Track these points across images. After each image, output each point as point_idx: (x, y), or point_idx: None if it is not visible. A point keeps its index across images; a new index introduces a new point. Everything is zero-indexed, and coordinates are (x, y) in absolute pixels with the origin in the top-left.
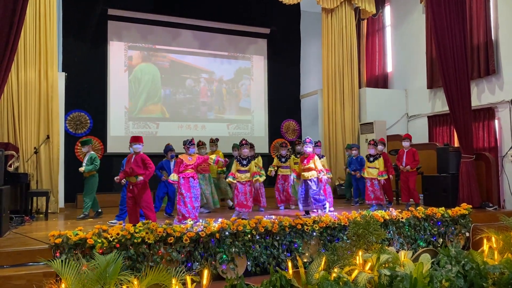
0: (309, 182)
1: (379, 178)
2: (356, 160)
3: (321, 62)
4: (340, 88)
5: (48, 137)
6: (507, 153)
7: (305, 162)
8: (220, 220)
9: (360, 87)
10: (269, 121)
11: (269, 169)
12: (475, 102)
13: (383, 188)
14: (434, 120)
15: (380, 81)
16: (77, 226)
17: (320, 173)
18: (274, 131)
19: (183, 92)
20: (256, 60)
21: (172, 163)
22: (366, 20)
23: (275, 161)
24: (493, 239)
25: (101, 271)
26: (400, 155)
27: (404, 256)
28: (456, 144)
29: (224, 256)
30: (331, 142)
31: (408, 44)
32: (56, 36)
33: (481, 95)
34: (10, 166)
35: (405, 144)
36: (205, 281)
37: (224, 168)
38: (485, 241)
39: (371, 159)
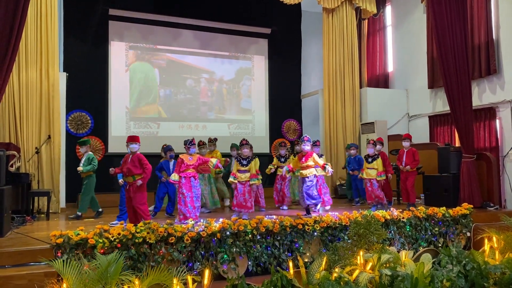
0: (306, 179)
1: (378, 179)
2: (354, 160)
3: (322, 62)
4: (341, 88)
5: (49, 137)
6: (508, 152)
7: (303, 160)
8: (221, 220)
9: (361, 87)
10: (270, 121)
11: (269, 166)
12: (476, 102)
13: (382, 188)
14: (435, 120)
15: (381, 81)
16: (78, 226)
17: (325, 166)
18: (275, 131)
19: (183, 92)
20: (257, 60)
21: (171, 163)
22: (367, 20)
23: (275, 161)
24: (494, 239)
25: (102, 271)
26: (400, 155)
27: (405, 256)
28: (457, 144)
29: (225, 256)
30: (332, 142)
31: (409, 43)
32: (57, 36)
33: (482, 94)
34: (12, 166)
35: (405, 144)
36: (206, 281)
37: (222, 168)
38: (486, 241)
39: (370, 160)
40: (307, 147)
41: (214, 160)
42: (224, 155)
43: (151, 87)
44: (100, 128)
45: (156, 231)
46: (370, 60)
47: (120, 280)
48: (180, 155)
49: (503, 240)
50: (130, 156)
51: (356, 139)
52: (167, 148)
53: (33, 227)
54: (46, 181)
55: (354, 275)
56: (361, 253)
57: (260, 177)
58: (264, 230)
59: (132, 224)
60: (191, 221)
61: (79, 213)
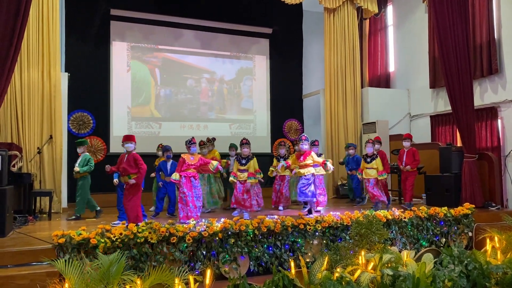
0: (303, 177)
1: (379, 178)
2: (352, 160)
3: (323, 61)
4: (343, 87)
5: (51, 137)
6: (510, 152)
7: (301, 159)
8: (222, 220)
9: (362, 86)
10: (271, 120)
11: (270, 169)
12: (477, 102)
13: (384, 187)
14: (437, 120)
15: (383, 80)
16: (80, 226)
17: (325, 163)
18: (276, 131)
19: (185, 92)
20: (258, 60)
21: (169, 164)
22: (368, 20)
23: (275, 162)
24: (496, 238)
25: (104, 270)
26: (400, 155)
27: (407, 255)
28: (459, 143)
29: (227, 255)
30: (334, 141)
31: (411, 43)
32: (59, 36)
33: (484, 94)
34: (14, 166)
35: (406, 144)
36: (207, 280)
37: (222, 170)
38: (488, 240)
39: (368, 159)
40: (305, 146)
41: (215, 163)
42: (224, 154)
43: (152, 87)
44: (102, 128)
45: (157, 231)
46: (371, 60)
47: (122, 280)
48: (182, 155)
49: (505, 240)
50: (126, 155)
51: (357, 139)
52: (164, 148)
53: (35, 227)
54: (48, 181)
55: (356, 275)
56: (362, 253)
57: (260, 175)
58: (265, 230)
59: (134, 224)
60: (192, 220)
61: (78, 214)
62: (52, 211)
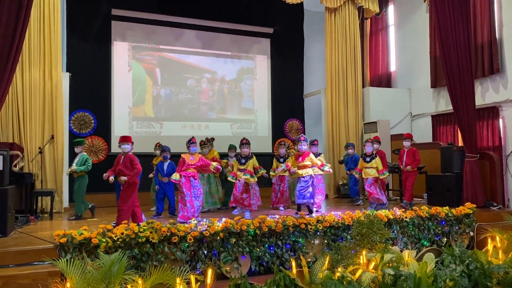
0: (301, 179)
1: (381, 177)
2: (351, 159)
3: (324, 61)
4: (344, 87)
5: (52, 137)
6: (511, 152)
7: (299, 160)
8: (224, 219)
9: (363, 86)
10: (273, 120)
11: (271, 173)
12: (479, 101)
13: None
14: (438, 119)
15: (384, 80)
16: (81, 226)
17: (323, 167)
18: (278, 131)
19: (186, 92)
20: (259, 60)
21: (165, 164)
22: (369, 19)
23: (274, 163)
24: (498, 238)
25: (105, 270)
26: (400, 155)
27: (408, 255)
28: (460, 143)
29: (228, 255)
30: (335, 141)
31: (412, 43)
32: (60, 36)
33: (485, 94)
34: (15, 166)
35: (406, 143)
36: (209, 280)
37: (221, 169)
38: (489, 240)
39: (368, 159)
40: (304, 146)
41: (214, 164)
42: (225, 155)
43: (153, 87)
44: (103, 128)
45: (159, 230)
46: (372, 59)
47: (124, 280)
48: (182, 155)
49: (507, 240)
50: (123, 156)
51: (358, 139)
52: (162, 149)
53: (36, 227)
54: (49, 181)
55: (357, 274)
56: (364, 252)
57: (263, 171)
58: (266, 230)
59: (136, 224)
60: (194, 220)
61: (79, 214)
62: (54, 210)
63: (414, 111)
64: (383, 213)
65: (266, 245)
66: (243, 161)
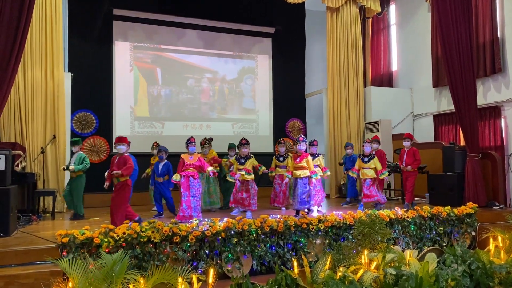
0: (299, 180)
1: (381, 177)
2: (349, 159)
3: (326, 61)
4: (345, 87)
5: (54, 137)
6: None
7: (297, 160)
8: (225, 219)
9: (365, 86)
10: (274, 120)
11: (269, 174)
12: (481, 101)
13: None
14: (440, 119)
15: (385, 80)
16: (83, 226)
17: (313, 175)
18: (279, 131)
19: (187, 92)
20: (261, 60)
21: (161, 164)
22: (371, 19)
23: (273, 161)
24: (499, 238)
25: (107, 270)
26: (401, 155)
27: (410, 255)
28: (462, 143)
29: (230, 255)
30: (336, 141)
31: (414, 42)
32: (62, 36)
33: (487, 93)
34: (17, 165)
35: (406, 143)
36: (210, 280)
37: (218, 168)
38: (491, 240)
39: (366, 159)
40: (302, 147)
41: (210, 169)
42: (226, 154)
43: (155, 87)
44: (105, 128)
45: (161, 230)
46: (374, 59)
47: (125, 279)
48: (181, 155)
49: (508, 239)
50: (117, 157)
51: (360, 139)
52: (159, 149)
53: (38, 227)
54: (51, 181)
55: (359, 274)
56: (365, 252)
57: (263, 168)
58: (268, 230)
59: (137, 224)
60: (195, 220)
61: (81, 214)
62: (56, 210)
63: (415, 110)
64: (384, 212)
65: (268, 245)
66: (242, 161)
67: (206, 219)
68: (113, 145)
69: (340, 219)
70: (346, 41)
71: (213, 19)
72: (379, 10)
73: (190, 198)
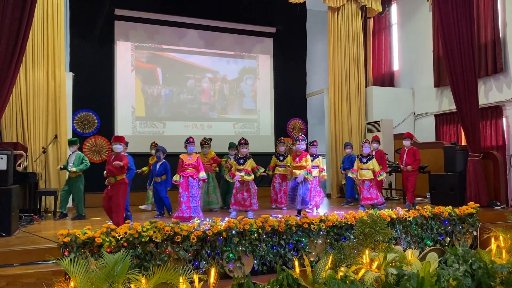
0: (304, 185)
1: (378, 179)
2: (347, 159)
3: (327, 60)
4: (347, 86)
5: (56, 136)
6: None
7: (297, 160)
8: (227, 219)
9: (366, 85)
10: (275, 120)
11: (267, 172)
12: (482, 101)
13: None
14: (441, 119)
15: (387, 79)
16: (85, 225)
17: (309, 172)
18: (280, 130)
19: (188, 92)
20: (262, 59)
21: (158, 164)
22: (372, 19)
23: (273, 160)
24: (501, 238)
25: (109, 269)
26: (401, 154)
27: (411, 255)
28: (464, 142)
29: (231, 254)
30: (338, 141)
31: (415, 42)
32: (64, 36)
33: (488, 93)
34: (19, 165)
35: (406, 143)
36: (212, 279)
37: (217, 169)
38: (492, 240)
39: (364, 160)
40: (302, 146)
41: (201, 175)
42: (227, 154)
43: (156, 87)
44: (107, 128)
45: (162, 230)
46: (375, 58)
47: (127, 279)
48: (180, 155)
49: (510, 239)
50: (113, 156)
51: (361, 138)
52: (157, 149)
53: (40, 226)
54: (53, 181)
55: (360, 274)
56: (367, 252)
57: (261, 170)
58: (269, 229)
59: (139, 223)
60: (196, 220)
61: (82, 214)
62: (57, 210)
63: (417, 110)
64: (386, 212)
65: (269, 245)
66: (241, 161)
67: (207, 219)
68: (111, 144)
69: (341, 219)
70: (347, 40)
71: (214, 19)
72: (380, 9)
73: (189, 198)
